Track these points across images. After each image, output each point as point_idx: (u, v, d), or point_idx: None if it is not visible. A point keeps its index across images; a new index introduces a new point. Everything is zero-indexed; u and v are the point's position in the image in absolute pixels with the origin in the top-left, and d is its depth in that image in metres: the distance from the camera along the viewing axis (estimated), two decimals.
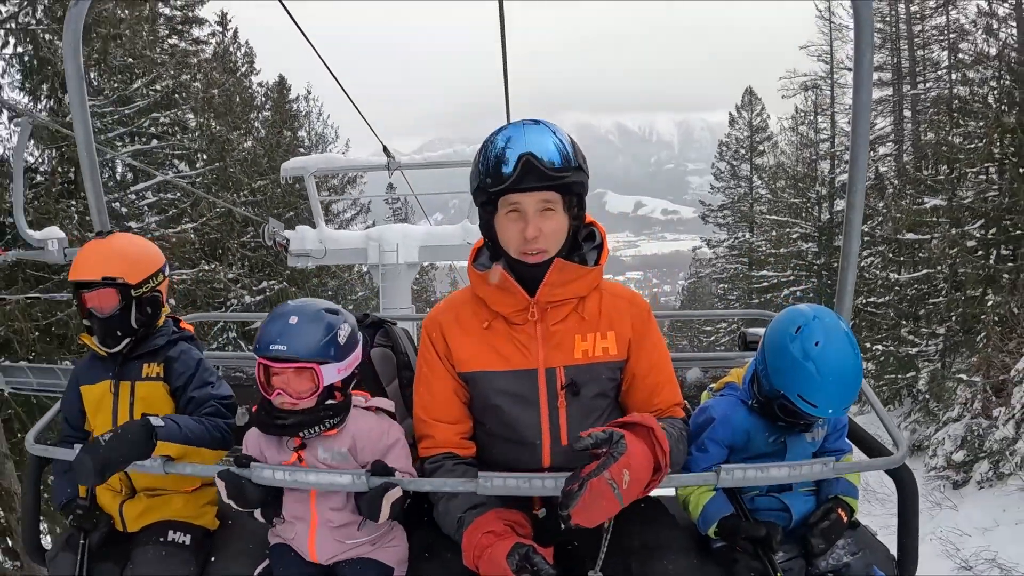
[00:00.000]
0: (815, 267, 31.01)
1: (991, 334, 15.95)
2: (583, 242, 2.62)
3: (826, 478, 2.70)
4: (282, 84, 28.30)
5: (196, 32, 20.92)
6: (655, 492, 2.51)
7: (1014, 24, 20.96)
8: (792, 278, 31.63)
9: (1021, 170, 16.73)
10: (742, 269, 35.80)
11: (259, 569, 2.67)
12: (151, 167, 14.44)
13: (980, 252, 18.52)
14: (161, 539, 2.84)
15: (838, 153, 31.47)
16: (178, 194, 15.31)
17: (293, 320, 2.45)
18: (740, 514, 2.68)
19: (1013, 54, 19.54)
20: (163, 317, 3.11)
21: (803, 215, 31.53)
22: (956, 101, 21.46)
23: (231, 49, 25.45)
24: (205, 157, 17.24)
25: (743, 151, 38.43)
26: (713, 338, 37.46)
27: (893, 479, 2.80)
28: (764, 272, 33.03)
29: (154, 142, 15.88)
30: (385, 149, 10.69)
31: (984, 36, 21.17)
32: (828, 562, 2.63)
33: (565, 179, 2.33)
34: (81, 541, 2.85)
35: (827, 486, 2.78)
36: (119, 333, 2.94)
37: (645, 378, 2.60)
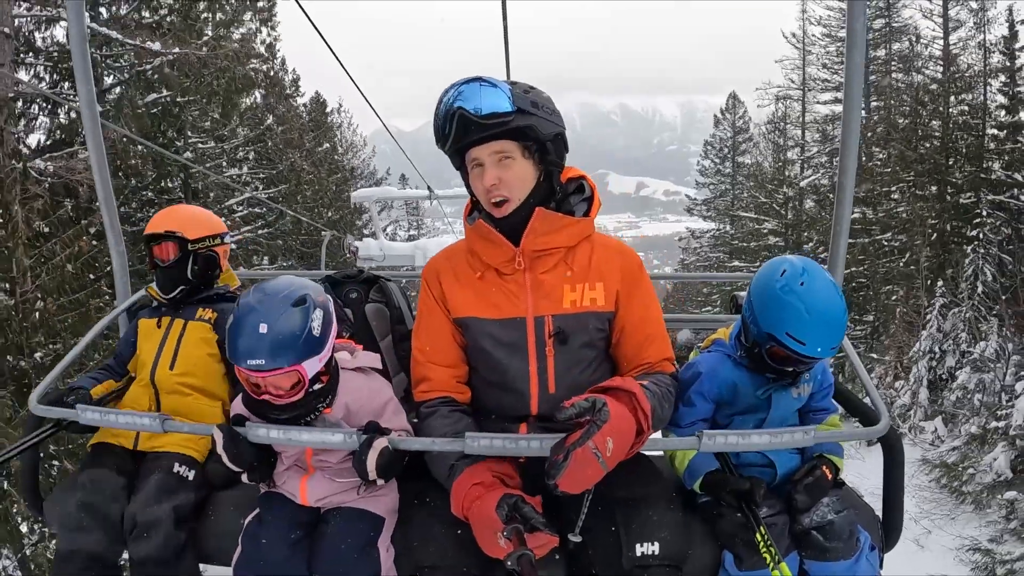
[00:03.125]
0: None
1: (900, 323, 20.38)
2: (572, 195, 2.62)
3: (806, 446, 2.67)
4: (318, 100, 32.04)
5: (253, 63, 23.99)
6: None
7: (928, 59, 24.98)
8: (730, 303, 35.23)
9: (918, 192, 21.27)
10: (724, 258, 39.50)
11: (249, 517, 2.61)
12: (239, 186, 18.85)
13: (892, 257, 23.01)
14: (167, 470, 2.92)
15: (806, 160, 35.35)
16: (262, 208, 19.70)
17: (263, 329, 2.29)
18: (725, 469, 2.64)
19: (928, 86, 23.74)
20: (220, 279, 3.47)
21: (771, 213, 35.48)
22: (873, 132, 25.82)
23: (280, 75, 27.69)
24: (281, 177, 21.62)
25: (726, 150, 42.23)
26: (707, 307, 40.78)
27: (881, 443, 2.78)
28: (736, 263, 36.46)
29: (245, 168, 20.27)
30: (429, 188, 14.81)
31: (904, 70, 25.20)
32: (812, 519, 2.60)
33: (506, 124, 2.29)
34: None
35: (811, 450, 2.78)
36: (176, 281, 3.30)
37: (635, 331, 2.56)
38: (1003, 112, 22.31)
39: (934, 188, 22.58)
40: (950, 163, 22.85)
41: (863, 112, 31.26)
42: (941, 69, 24.97)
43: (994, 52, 23.65)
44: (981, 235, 19.94)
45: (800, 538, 2.62)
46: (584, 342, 2.53)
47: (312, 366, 2.41)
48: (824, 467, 2.68)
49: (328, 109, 32.77)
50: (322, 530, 2.57)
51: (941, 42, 25.65)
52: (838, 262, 3.29)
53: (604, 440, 2.04)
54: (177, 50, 13.56)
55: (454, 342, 2.63)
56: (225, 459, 2.46)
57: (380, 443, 2.36)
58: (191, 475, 2.95)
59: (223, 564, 2.72)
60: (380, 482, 2.48)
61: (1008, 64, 20.82)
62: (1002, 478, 13.16)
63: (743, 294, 3.16)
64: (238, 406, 2.66)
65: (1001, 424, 14.18)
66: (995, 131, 22.99)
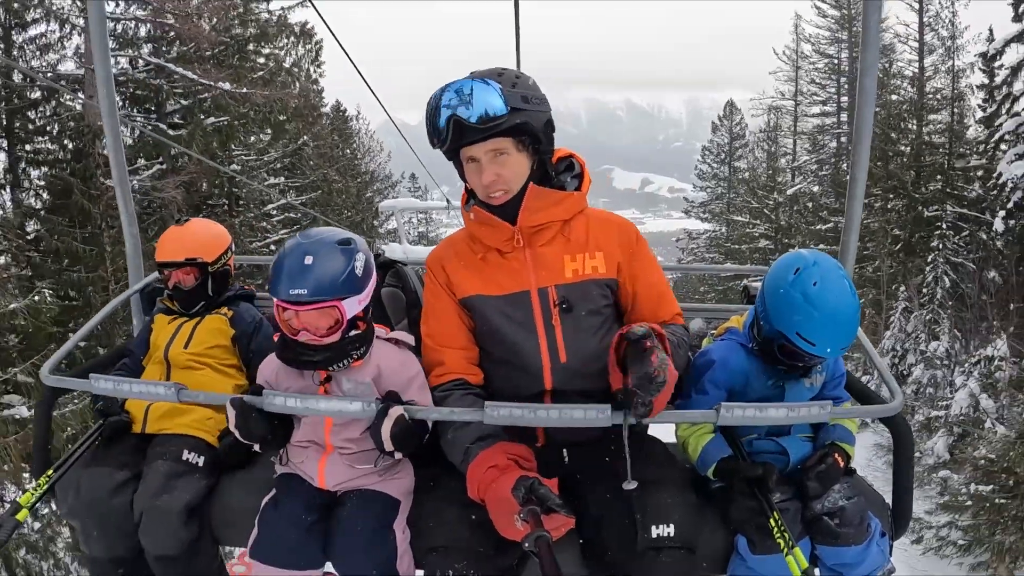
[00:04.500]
0: (771, 263, 37.17)
1: (867, 324, 22.85)
2: (563, 172, 2.66)
3: (823, 422, 2.73)
4: (338, 108, 33.92)
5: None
6: (654, 431, 2.77)
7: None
8: (752, 271, 37.52)
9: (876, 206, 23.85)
10: (719, 259, 41.35)
11: (265, 499, 2.60)
12: (277, 194, 21.40)
13: (860, 264, 25.44)
14: (175, 458, 2.85)
15: (796, 168, 37.57)
16: (296, 213, 22.21)
17: (308, 260, 2.37)
18: (738, 456, 2.66)
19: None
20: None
21: (762, 218, 37.67)
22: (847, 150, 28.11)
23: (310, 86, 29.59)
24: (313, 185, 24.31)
25: (723, 155, 44.24)
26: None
27: (889, 428, 2.83)
28: (729, 264, 38.04)
29: (282, 177, 22.89)
30: (447, 200, 16.95)
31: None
32: (824, 505, 2.61)
33: (500, 126, 2.31)
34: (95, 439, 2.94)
35: (824, 432, 2.79)
36: (197, 300, 3.33)
37: (647, 296, 2.60)
38: (980, 127, 24.46)
39: (900, 202, 24.90)
40: (917, 179, 25.19)
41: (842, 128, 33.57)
42: (915, 90, 27.09)
43: (963, 77, 25.96)
44: (941, 246, 22.13)
45: (812, 524, 2.63)
46: (589, 309, 2.53)
47: (351, 306, 2.44)
48: (836, 454, 2.67)
49: (348, 116, 34.98)
50: (338, 513, 2.56)
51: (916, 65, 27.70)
52: (849, 256, 3.29)
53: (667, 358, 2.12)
54: (229, 86, 15.96)
55: (463, 325, 2.63)
56: (237, 435, 2.48)
57: (396, 411, 2.34)
58: (201, 461, 2.88)
59: (240, 545, 2.73)
60: (397, 455, 2.47)
61: (987, 81, 22.78)
62: (940, 460, 15.36)
63: (756, 284, 3.24)
64: (266, 368, 2.71)
65: (942, 414, 16.39)
66: (962, 149, 25.36)
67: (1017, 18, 21.26)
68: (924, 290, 21.85)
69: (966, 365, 17.45)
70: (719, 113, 44.97)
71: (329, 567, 2.59)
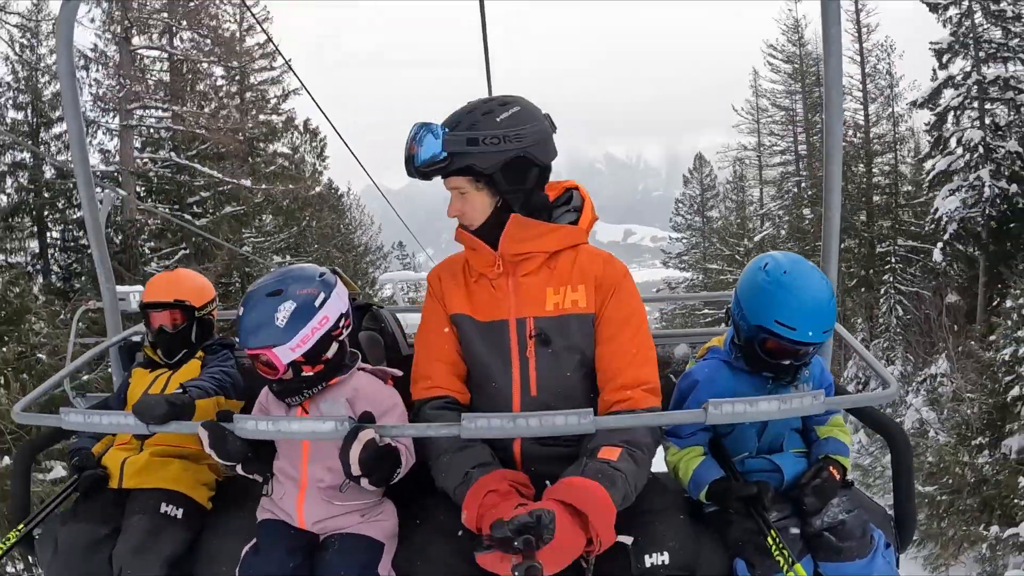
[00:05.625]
0: None
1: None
2: (561, 206, 2.65)
3: (816, 430, 2.70)
4: (330, 185, 35.33)
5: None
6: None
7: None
8: (725, 315, 39.27)
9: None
10: (698, 306, 43.03)
11: (247, 547, 2.55)
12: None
13: None
14: (154, 511, 2.80)
15: (764, 215, 39.71)
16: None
17: (240, 311, 2.48)
18: (730, 476, 2.58)
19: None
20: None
21: (734, 264, 39.32)
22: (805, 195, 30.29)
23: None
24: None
25: (696, 206, 46.25)
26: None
27: (885, 437, 2.79)
28: (706, 311, 39.56)
29: (287, 256, 25.03)
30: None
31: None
32: (823, 520, 2.55)
33: (444, 169, 2.40)
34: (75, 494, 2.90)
35: (817, 447, 2.74)
36: (180, 345, 3.33)
37: (611, 348, 2.46)
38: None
39: (853, 241, 27.03)
40: (869, 218, 27.39)
41: (801, 175, 35.83)
42: (862, 136, 29.43)
43: (902, 121, 28.39)
44: (892, 279, 24.20)
45: (812, 541, 2.57)
46: (566, 345, 2.46)
47: (283, 354, 2.42)
48: (831, 468, 2.60)
49: (339, 192, 37.10)
50: (321, 557, 2.52)
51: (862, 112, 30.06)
52: (831, 261, 3.20)
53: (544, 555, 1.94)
54: (248, 182, 18.31)
55: (453, 340, 2.59)
56: (215, 456, 2.43)
57: (366, 435, 2.26)
58: (180, 513, 2.83)
59: None
60: (370, 488, 2.40)
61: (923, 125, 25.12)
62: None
63: None
64: (261, 395, 2.75)
65: None
66: (908, 187, 27.67)
67: (943, 67, 23.69)
68: (881, 320, 23.82)
69: (914, 384, 19.40)
70: (689, 166, 47.02)
71: None
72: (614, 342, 2.48)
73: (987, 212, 22.06)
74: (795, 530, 2.59)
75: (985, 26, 23.21)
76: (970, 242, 22.83)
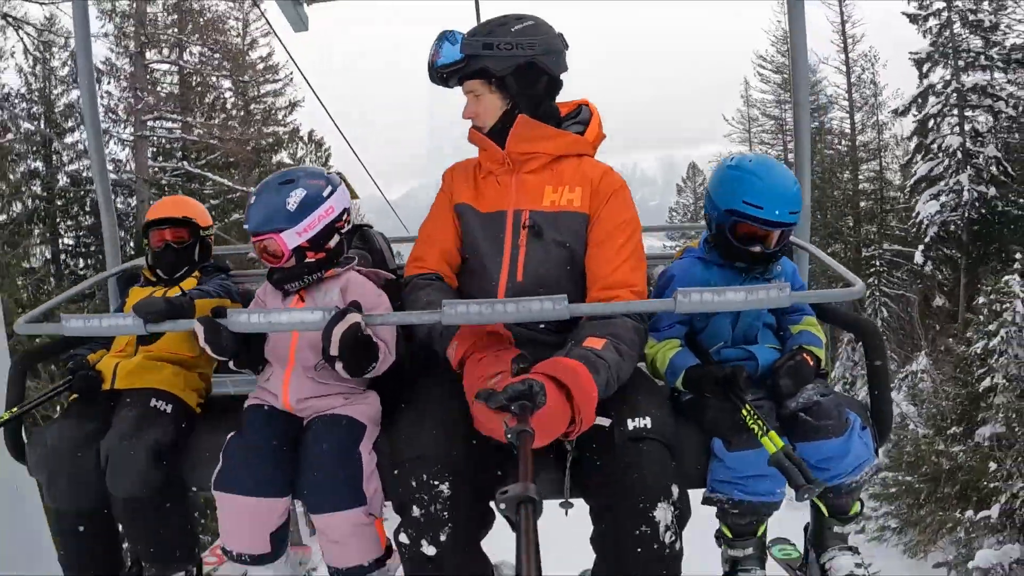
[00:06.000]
0: None
1: None
2: (571, 120, 2.79)
3: (782, 305, 2.53)
4: None
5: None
6: None
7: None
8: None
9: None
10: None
11: (231, 434, 2.57)
12: None
13: None
14: (143, 405, 2.80)
15: None
16: None
17: (252, 200, 2.64)
18: (706, 364, 2.64)
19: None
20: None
21: None
22: None
23: None
24: None
25: (689, 215, 46.66)
26: None
27: (855, 332, 2.84)
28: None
29: None
30: None
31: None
32: (798, 403, 2.55)
33: (460, 71, 2.61)
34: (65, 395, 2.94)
35: (791, 340, 2.78)
36: (183, 263, 3.36)
37: (600, 250, 2.56)
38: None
39: (840, 246, 27.79)
40: (856, 223, 28.17)
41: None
42: (848, 144, 30.25)
43: (886, 129, 29.19)
44: (877, 281, 24.93)
45: (788, 423, 2.55)
46: (556, 240, 2.56)
47: (290, 238, 2.57)
48: (805, 355, 2.63)
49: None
50: (303, 438, 2.56)
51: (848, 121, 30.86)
52: (804, 165, 3.37)
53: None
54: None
55: (454, 230, 2.72)
56: (208, 351, 2.50)
57: (352, 316, 2.34)
58: (169, 408, 2.83)
59: (208, 485, 2.58)
60: (339, 367, 2.42)
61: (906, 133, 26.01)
62: (879, 465, 17.97)
63: None
64: (260, 291, 2.86)
65: None
66: (893, 193, 28.46)
67: (923, 76, 24.53)
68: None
69: (896, 380, 20.08)
70: (683, 175, 47.62)
71: (298, 506, 2.56)
72: (605, 245, 2.57)
73: (967, 215, 22.87)
74: (770, 405, 2.60)
75: (964, 36, 24.07)
76: (951, 245, 23.60)
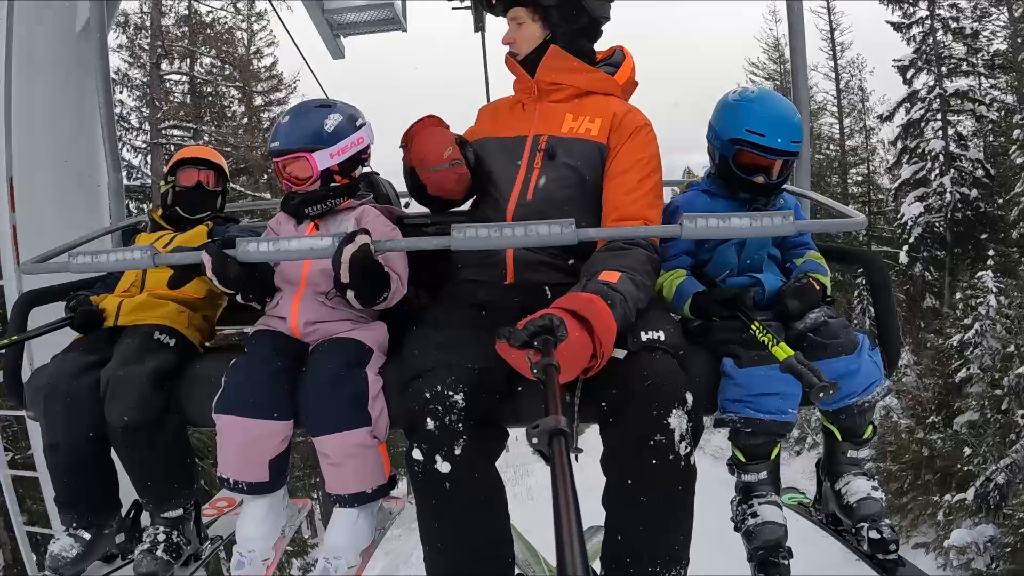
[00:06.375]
0: None
1: None
2: (603, 63, 2.84)
3: (786, 233, 2.51)
4: None
5: None
6: None
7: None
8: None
9: None
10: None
11: (235, 360, 2.52)
12: None
13: None
14: (146, 336, 2.76)
15: None
16: None
17: (285, 119, 2.66)
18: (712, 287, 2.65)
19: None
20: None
21: None
22: None
23: None
24: None
25: None
26: None
27: (859, 263, 2.94)
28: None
29: None
30: None
31: None
32: (805, 324, 2.54)
33: None
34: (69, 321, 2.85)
35: (796, 269, 2.78)
36: (205, 206, 3.39)
37: (620, 180, 2.56)
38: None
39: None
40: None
41: None
42: (837, 149, 31.00)
43: (874, 134, 29.96)
44: (863, 283, 25.57)
45: (797, 343, 2.46)
46: (568, 163, 2.58)
47: (321, 159, 2.61)
48: (811, 279, 2.62)
49: None
50: (308, 360, 2.52)
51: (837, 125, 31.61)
52: (801, 97, 3.45)
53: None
54: (269, 196, 20.09)
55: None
56: (215, 282, 2.46)
57: (362, 238, 2.30)
58: (172, 342, 2.79)
59: (210, 425, 2.49)
60: (350, 295, 2.41)
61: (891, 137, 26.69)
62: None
63: None
64: (272, 221, 2.85)
65: None
66: (881, 196, 29.21)
67: (907, 82, 25.26)
68: (855, 320, 25.23)
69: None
70: (677, 186, 48.05)
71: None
72: (622, 177, 2.57)
73: (950, 216, 23.62)
74: (778, 325, 2.56)
75: (947, 43, 24.84)
76: (936, 245, 24.33)
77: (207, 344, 3.04)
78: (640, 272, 2.33)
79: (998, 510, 13.78)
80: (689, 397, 2.09)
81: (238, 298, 2.61)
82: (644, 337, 2.19)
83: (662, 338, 2.21)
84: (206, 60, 22.91)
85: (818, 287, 2.61)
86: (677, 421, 2.03)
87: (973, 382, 15.67)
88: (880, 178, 30.17)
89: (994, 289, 15.91)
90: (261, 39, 24.67)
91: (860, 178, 30.78)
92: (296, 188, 2.66)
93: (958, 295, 16.99)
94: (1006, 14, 24.15)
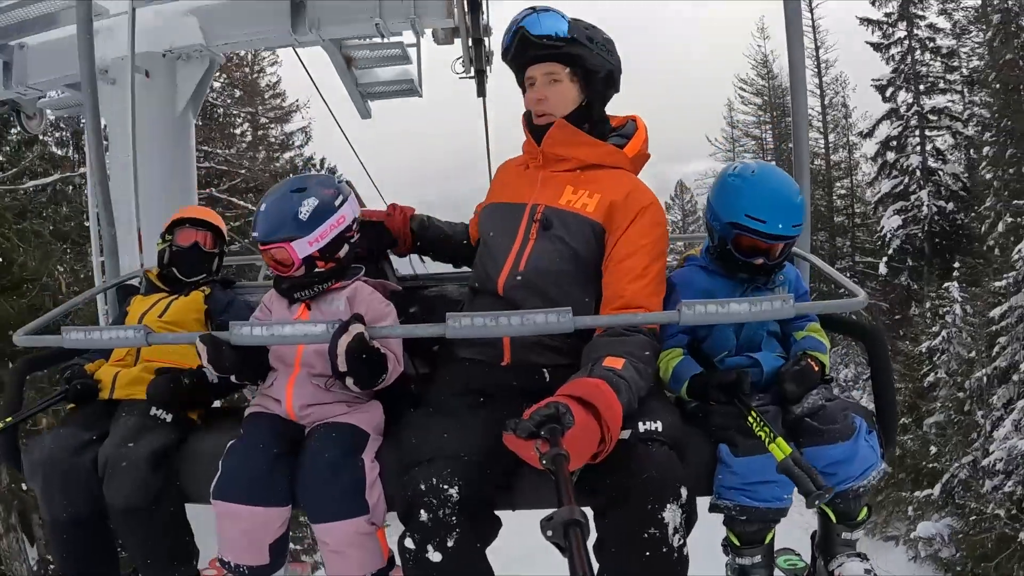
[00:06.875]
0: None
1: None
2: (615, 132, 2.74)
3: (787, 317, 2.51)
4: None
5: None
6: None
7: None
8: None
9: None
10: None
11: (231, 441, 2.52)
12: None
13: None
14: (143, 413, 2.74)
15: None
16: None
17: (263, 207, 2.58)
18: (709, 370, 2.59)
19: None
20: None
21: None
22: None
23: None
24: None
25: (677, 231, 47.81)
26: None
27: (860, 337, 2.85)
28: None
29: None
30: None
31: None
32: (803, 407, 2.52)
33: (558, 49, 2.50)
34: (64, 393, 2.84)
35: (796, 345, 2.74)
36: (201, 268, 3.38)
37: (620, 264, 2.50)
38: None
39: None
40: (831, 237, 29.84)
41: None
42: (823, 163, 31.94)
43: (856, 149, 30.91)
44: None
45: (794, 428, 2.50)
46: (561, 236, 2.53)
47: (300, 248, 2.54)
48: (810, 360, 2.59)
49: None
50: (305, 446, 2.50)
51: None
52: (803, 164, 3.38)
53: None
54: None
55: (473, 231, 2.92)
56: (212, 371, 2.51)
57: (356, 327, 2.29)
58: (168, 418, 2.76)
59: (209, 502, 2.47)
60: (349, 382, 2.40)
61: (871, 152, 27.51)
62: None
63: None
64: (266, 298, 2.81)
65: None
66: (864, 208, 30.16)
67: (886, 100, 26.21)
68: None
69: (860, 381, 21.72)
70: (671, 193, 48.50)
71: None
72: (626, 264, 2.49)
73: (927, 228, 24.56)
74: (775, 409, 2.53)
75: (925, 61, 25.82)
76: (915, 256, 25.25)
77: (203, 412, 3.00)
78: (642, 359, 2.32)
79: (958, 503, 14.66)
80: (684, 491, 2.11)
81: (232, 379, 2.64)
82: (642, 428, 2.21)
83: (660, 429, 2.22)
84: (216, 84, 23.78)
85: (817, 368, 2.60)
86: (671, 515, 2.05)
87: (940, 386, 16.55)
88: (863, 191, 31.09)
89: (959, 298, 16.80)
90: (264, 58, 25.38)
91: (844, 191, 31.76)
92: (282, 273, 2.66)
93: (927, 304, 17.85)
94: (985, 32, 25.11)
